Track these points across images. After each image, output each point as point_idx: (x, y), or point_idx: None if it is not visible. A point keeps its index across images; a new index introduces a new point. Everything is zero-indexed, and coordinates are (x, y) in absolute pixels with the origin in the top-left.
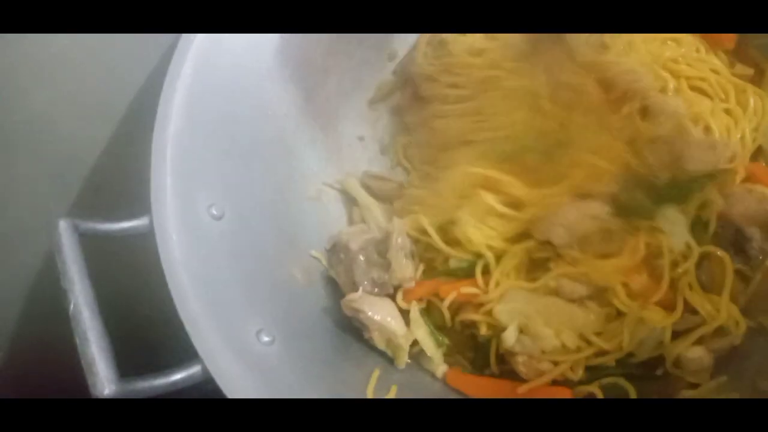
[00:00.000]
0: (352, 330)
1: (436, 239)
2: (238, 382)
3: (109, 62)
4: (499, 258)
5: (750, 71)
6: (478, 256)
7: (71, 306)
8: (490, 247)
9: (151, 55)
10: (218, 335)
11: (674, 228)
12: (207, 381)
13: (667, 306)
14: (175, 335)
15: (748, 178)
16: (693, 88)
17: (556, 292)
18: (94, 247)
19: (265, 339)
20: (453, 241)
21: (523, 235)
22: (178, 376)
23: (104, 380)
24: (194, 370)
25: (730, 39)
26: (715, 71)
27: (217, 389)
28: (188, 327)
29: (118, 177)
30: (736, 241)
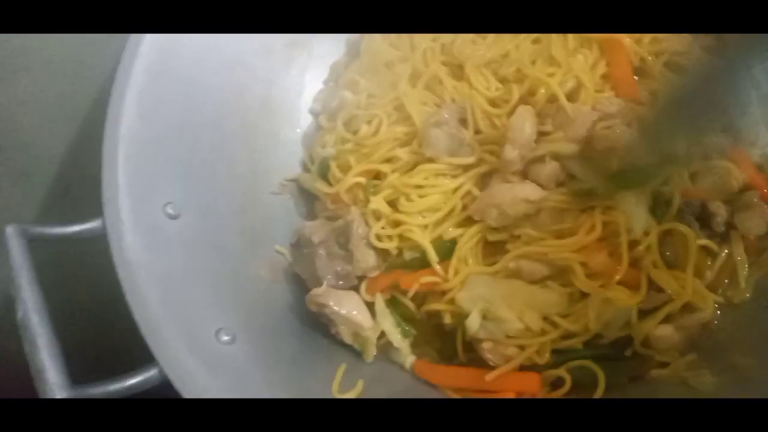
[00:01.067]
0: (319, 326)
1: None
2: (197, 384)
3: (71, 63)
4: (453, 244)
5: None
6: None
7: (20, 312)
8: (439, 237)
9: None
10: (175, 336)
11: (634, 209)
12: (165, 384)
13: (632, 285)
14: (132, 339)
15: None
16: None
17: (517, 275)
18: (49, 252)
19: (225, 338)
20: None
21: (470, 221)
22: (134, 381)
23: (54, 387)
24: (151, 373)
25: None
26: None
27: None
28: (143, 329)
29: (77, 180)
30: (700, 216)
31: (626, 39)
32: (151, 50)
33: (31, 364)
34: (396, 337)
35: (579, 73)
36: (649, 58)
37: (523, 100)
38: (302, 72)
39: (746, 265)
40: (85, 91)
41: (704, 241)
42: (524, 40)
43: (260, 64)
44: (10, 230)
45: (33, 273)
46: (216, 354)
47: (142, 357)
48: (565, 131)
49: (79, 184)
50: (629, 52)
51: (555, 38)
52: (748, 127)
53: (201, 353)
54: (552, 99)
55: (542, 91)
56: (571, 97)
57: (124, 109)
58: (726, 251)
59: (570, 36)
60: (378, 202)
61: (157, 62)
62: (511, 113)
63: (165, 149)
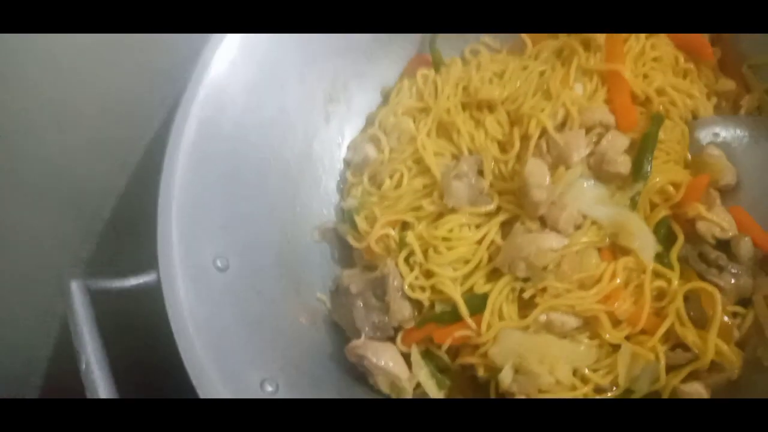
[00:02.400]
0: (357, 374)
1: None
2: None
3: (122, 113)
4: (484, 298)
5: (732, 85)
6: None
7: (83, 365)
8: (470, 290)
9: (159, 109)
10: (222, 385)
11: (642, 242)
12: None
13: (653, 333)
14: (184, 388)
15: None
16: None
17: (547, 328)
18: (106, 303)
19: (269, 389)
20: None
21: (498, 272)
22: None
23: None
24: None
25: (709, 55)
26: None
27: None
28: (193, 378)
29: (126, 232)
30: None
31: (627, 71)
32: (201, 108)
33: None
34: (431, 387)
35: (566, 102)
36: (652, 93)
37: (523, 140)
38: (341, 124)
39: None
40: (132, 143)
41: (731, 307)
42: (531, 73)
43: (300, 119)
44: (75, 285)
45: (95, 326)
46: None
47: None
48: (565, 162)
49: (128, 226)
50: (629, 83)
51: (555, 72)
52: None
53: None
54: (544, 133)
55: (533, 123)
56: (564, 127)
57: (177, 168)
58: (752, 313)
59: (572, 68)
60: (411, 239)
61: (206, 120)
62: (516, 158)
63: (213, 204)
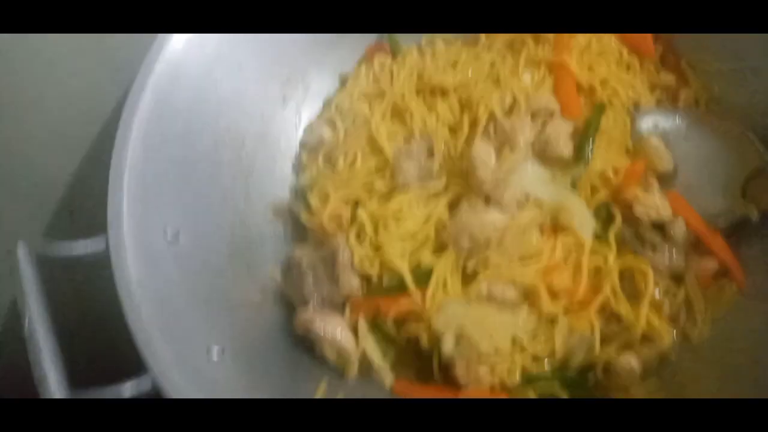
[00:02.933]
0: (304, 345)
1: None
2: (185, 394)
3: (76, 94)
4: (430, 271)
5: (672, 79)
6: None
7: (26, 324)
8: (417, 265)
9: (117, 87)
10: (168, 351)
11: (580, 220)
12: (156, 393)
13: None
14: (130, 350)
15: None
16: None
17: (489, 299)
18: (55, 268)
19: (215, 355)
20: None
21: (444, 247)
22: (128, 388)
23: (55, 392)
24: (144, 383)
25: (651, 50)
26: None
27: None
28: (139, 342)
29: (81, 204)
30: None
31: (572, 62)
32: (156, 84)
33: (34, 372)
34: (377, 357)
35: (514, 90)
36: (596, 83)
37: (472, 125)
38: (299, 107)
39: (703, 303)
40: (92, 119)
41: (664, 284)
42: (483, 62)
43: (257, 100)
44: (21, 248)
45: (39, 288)
46: (205, 369)
47: (139, 367)
48: (511, 145)
49: (82, 207)
50: (574, 74)
51: (505, 62)
52: None
53: (191, 367)
54: (492, 118)
55: (482, 108)
56: (511, 113)
57: (130, 140)
58: (683, 289)
59: (522, 59)
60: (362, 215)
61: (161, 96)
62: (465, 141)
63: (165, 178)
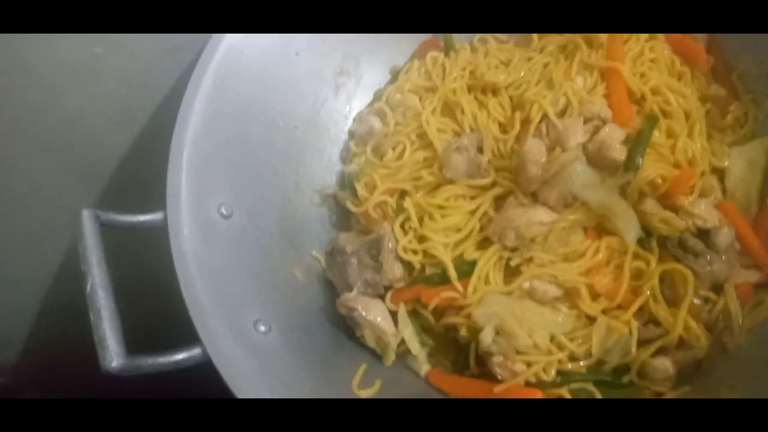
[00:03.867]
0: (345, 327)
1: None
2: (234, 365)
3: (138, 71)
4: (473, 265)
5: (723, 92)
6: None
7: (88, 287)
8: (459, 256)
9: (176, 66)
10: (218, 321)
11: (626, 225)
12: (206, 362)
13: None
14: (181, 320)
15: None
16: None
17: (530, 295)
18: (115, 240)
19: (262, 328)
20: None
21: (488, 242)
22: (180, 356)
23: (113, 354)
24: (195, 351)
25: (703, 61)
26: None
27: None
28: (191, 312)
29: (140, 177)
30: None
31: (625, 69)
32: (218, 66)
33: (94, 332)
34: (415, 345)
35: (568, 92)
36: (647, 91)
37: (523, 123)
38: (349, 97)
39: (740, 314)
40: (146, 99)
41: (703, 292)
42: (536, 64)
43: (311, 87)
44: (86, 214)
45: (102, 253)
46: (253, 341)
47: (190, 337)
48: (562, 145)
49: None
50: (627, 81)
51: (558, 64)
52: None
53: (239, 338)
54: (544, 118)
55: (535, 109)
56: (563, 115)
57: (191, 116)
58: (723, 300)
59: (575, 63)
60: (408, 205)
61: (221, 78)
62: (515, 138)
63: (222, 155)
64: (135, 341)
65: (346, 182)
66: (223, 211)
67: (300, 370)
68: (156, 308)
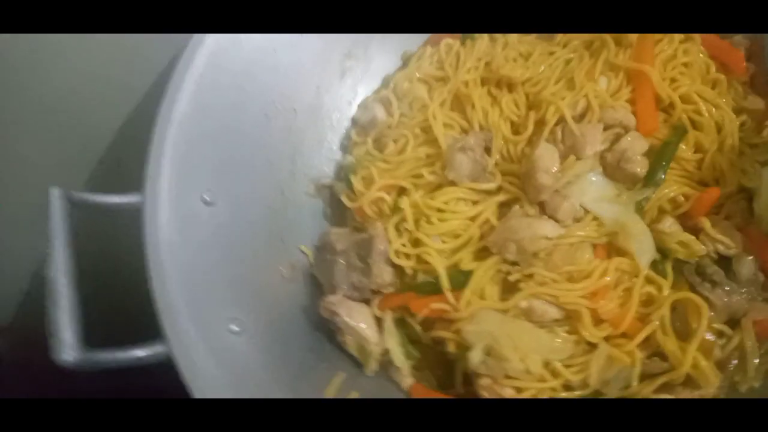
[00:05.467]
0: (327, 330)
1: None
2: (199, 367)
3: (135, 46)
4: (468, 275)
5: (761, 104)
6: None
7: (49, 271)
8: (455, 265)
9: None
10: (187, 318)
11: (640, 246)
12: (170, 361)
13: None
14: (150, 314)
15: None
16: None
17: (527, 315)
18: (89, 223)
19: (235, 329)
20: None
21: (487, 252)
22: (141, 353)
23: (67, 347)
24: (159, 349)
25: (742, 68)
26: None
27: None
28: (159, 306)
29: (125, 159)
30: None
31: (655, 74)
32: (213, 42)
33: (49, 321)
34: (399, 357)
35: (589, 95)
36: (677, 99)
37: (537, 125)
38: (356, 82)
39: (757, 353)
40: (146, 72)
41: (718, 325)
42: (558, 59)
43: (315, 70)
44: (55, 192)
45: (69, 236)
46: (223, 342)
47: (155, 332)
48: (577, 153)
49: (129, 159)
50: (655, 86)
51: (582, 62)
52: None
53: (208, 338)
54: (561, 121)
55: (551, 111)
56: (582, 118)
57: (180, 94)
58: (738, 336)
59: (600, 62)
60: (405, 205)
61: (217, 54)
62: (527, 141)
63: (212, 138)
64: (97, 333)
65: (344, 174)
66: (207, 197)
67: (270, 377)
68: (125, 299)
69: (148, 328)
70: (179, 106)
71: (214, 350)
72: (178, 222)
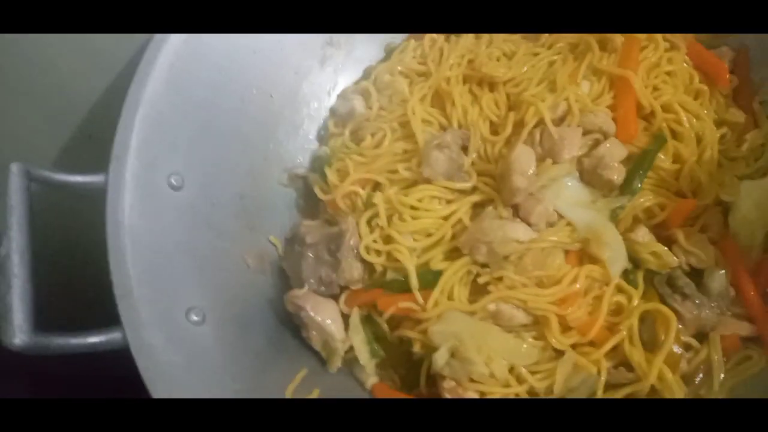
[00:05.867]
0: (291, 326)
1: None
2: (154, 357)
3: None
4: (437, 275)
5: (742, 118)
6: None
7: (2, 250)
8: (425, 264)
9: None
10: (145, 304)
11: (613, 254)
12: (126, 348)
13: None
14: (109, 299)
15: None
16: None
17: (495, 318)
18: (51, 202)
19: (195, 318)
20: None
21: (458, 253)
22: (96, 339)
23: (17, 330)
24: (115, 335)
25: (725, 80)
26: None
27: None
28: (116, 291)
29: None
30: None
31: (637, 81)
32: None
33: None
34: (364, 355)
35: (570, 98)
36: (658, 107)
37: (516, 126)
38: (336, 71)
39: (723, 368)
40: (122, 49)
41: (686, 338)
42: (541, 60)
43: (295, 55)
44: (15, 168)
45: (26, 213)
46: (181, 330)
47: (112, 318)
48: (554, 156)
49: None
50: (637, 94)
51: (566, 65)
52: None
53: (166, 326)
54: (540, 123)
55: (531, 112)
56: (561, 122)
57: (153, 73)
58: (705, 350)
59: (584, 65)
60: (379, 200)
61: (195, 35)
62: (505, 142)
63: (183, 119)
64: (53, 317)
65: (316, 165)
66: (173, 181)
67: (229, 369)
68: (84, 283)
69: (106, 314)
70: (151, 86)
71: (172, 339)
72: (142, 205)
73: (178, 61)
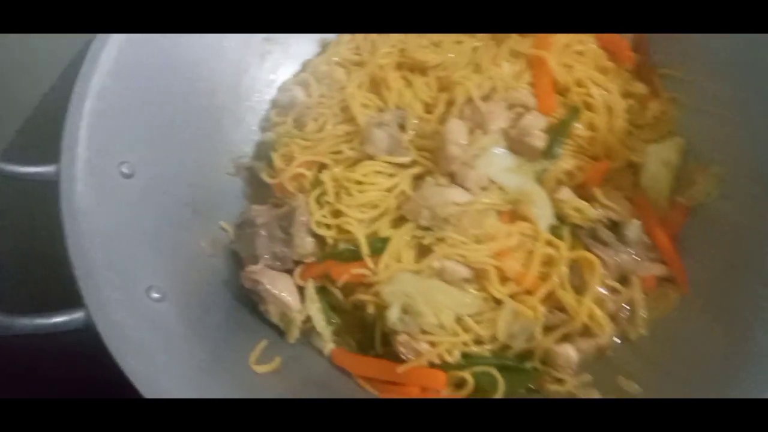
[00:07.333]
0: (249, 302)
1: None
2: (119, 332)
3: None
4: (386, 242)
5: (644, 90)
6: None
7: None
8: (373, 233)
9: None
10: (106, 283)
11: (540, 212)
12: (89, 327)
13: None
14: (71, 281)
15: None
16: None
17: (440, 275)
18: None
19: (155, 295)
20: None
21: (403, 220)
22: (59, 319)
23: None
24: (77, 315)
25: (628, 58)
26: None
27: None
28: (77, 272)
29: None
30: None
31: (552, 60)
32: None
33: None
34: (320, 323)
35: (494, 77)
36: (571, 82)
37: (448, 105)
38: (276, 65)
39: (644, 305)
40: (70, 41)
41: (610, 282)
42: (465, 47)
43: (236, 50)
44: None
45: None
46: (143, 307)
47: (74, 299)
48: (483, 128)
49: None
50: (553, 71)
51: (488, 49)
52: None
53: (128, 303)
54: (469, 100)
55: (460, 91)
56: (488, 99)
57: (99, 66)
58: (628, 290)
59: (504, 49)
60: (326, 178)
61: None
62: (439, 119)
63: (131, 111)
64: (13, 300)
65: (261, 152)
66: (124, 170)
67: (192, 341)
68: (45, 268)
69: (67, 297)
70: (98, 78)
71: (134, 315)
72: (96, 192)
73: (123, 55)
